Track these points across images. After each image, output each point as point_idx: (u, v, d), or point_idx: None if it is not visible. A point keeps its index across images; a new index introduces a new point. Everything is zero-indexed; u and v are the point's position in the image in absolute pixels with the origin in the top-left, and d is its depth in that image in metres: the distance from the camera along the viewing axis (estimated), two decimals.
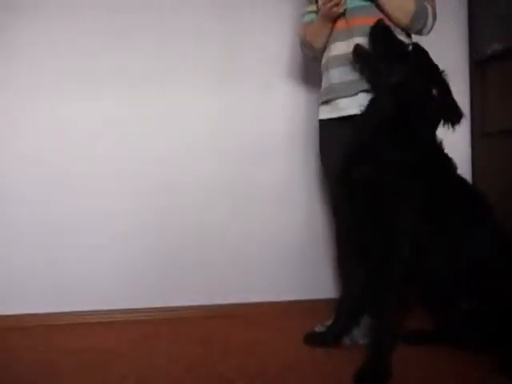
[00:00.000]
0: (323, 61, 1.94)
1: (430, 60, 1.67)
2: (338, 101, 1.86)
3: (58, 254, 2.21)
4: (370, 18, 1.77)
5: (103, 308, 2.23)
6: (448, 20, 2.53)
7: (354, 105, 1.80)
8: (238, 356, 1.74)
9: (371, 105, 1.69)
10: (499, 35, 2.31)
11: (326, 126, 1.94)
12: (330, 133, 1.92)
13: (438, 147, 1.66)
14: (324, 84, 1.93)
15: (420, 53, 1.68)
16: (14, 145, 2.19)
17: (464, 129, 2.54)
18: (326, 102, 1.91)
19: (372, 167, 1.58)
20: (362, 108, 1.72)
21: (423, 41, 2.54)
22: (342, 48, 1.82)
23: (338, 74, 1.83)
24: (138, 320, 2.21)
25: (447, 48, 2.52)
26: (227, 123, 2.34)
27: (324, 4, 1.75)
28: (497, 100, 2.39)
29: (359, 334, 1.81)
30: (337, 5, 1.73)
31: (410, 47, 1.70)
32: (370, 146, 1.62)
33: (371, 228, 1.57)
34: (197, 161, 2.31)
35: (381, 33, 1.70)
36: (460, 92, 2.51)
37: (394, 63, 1.64)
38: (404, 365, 1.57)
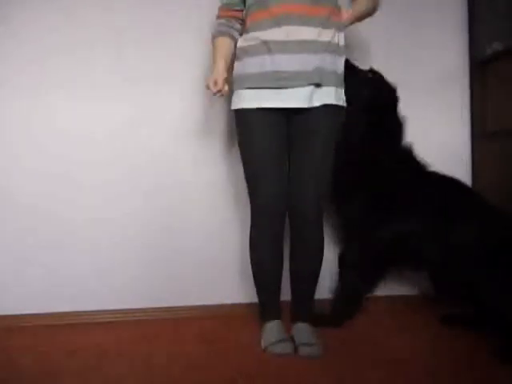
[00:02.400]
0: (254, 42, 1.79)
1: (384, 82, 2.12)
2: (287, 90, 1.75)
3: (59, 253, 2.21)
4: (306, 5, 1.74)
5: (103, 308, 2.23)
6: (448, 20, 2.53)
7: (303, 96, 1.75)
8: (238, 356, 1.74)
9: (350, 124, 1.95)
10: (499, 35, 2.31)
11: (255, 114, 1.79)
12: (265, 122, 1.80)
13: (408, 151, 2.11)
14: (258, 68, 1.77)
15: (376, 76, 2.12)
16: (12, 145, 2.20)
17: (464, 129, 2.55)
18: (259, 88, 1.78)
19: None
20: (310, 102, 1.77)
21: (424, 41, 2.56)
22: (293, 34, 1.73)
23: (289, 62, 1.74)
24: (138, 320, 2.21)
25: (447, 48, 2.52)
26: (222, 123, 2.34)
27: (207, 87, 1.79)
28: (497, 100, 2.38)
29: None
30: (219, 91, 1.79)
31: (369, 74, 2.11)
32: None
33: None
34: (195, 160, 2.32)
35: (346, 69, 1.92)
36: (460, 92, 2.54)
37: (359, 88, 2.04)
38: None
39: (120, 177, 2.25)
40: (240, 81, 1.84)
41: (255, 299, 2.00)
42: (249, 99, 1.80)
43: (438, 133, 2.50)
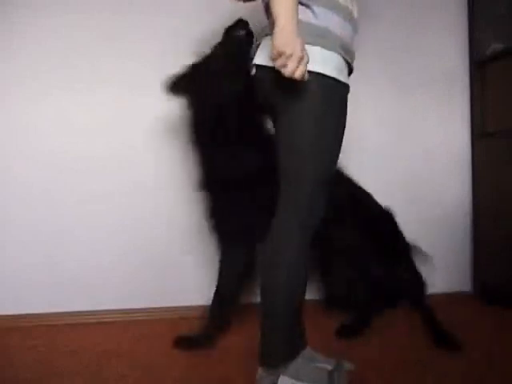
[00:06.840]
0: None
1: None
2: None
3: (58, 253, 2.21)
4: None
5: (103, 308, 2.23)
6: (448, 20, 2.53)
7: None
8: (238, 356, 1.74)
9: None
10: (499, 35, 2.31)
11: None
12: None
13: None
14: (344, 33, 1.37)
15: None
16: (12, 146, 2.20)
17: (464, 129, 2.55)
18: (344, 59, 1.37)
19: None
20: None
21: (424, 41, 2.56)
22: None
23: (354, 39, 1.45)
24: (138, 320, 2.22)
25: (447, 48, 2.52)
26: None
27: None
28: (497, 100, 2.39)
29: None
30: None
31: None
32: None
33: None
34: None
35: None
36: (460, 92, 2.54)
37: None
38: None
39: (120, 176, 2.26)
40: (330, 38, 1.33)
41: (253, 299, 2.00)
42: (342, 69, 1.37)
43: (438, 133, 2.50)
